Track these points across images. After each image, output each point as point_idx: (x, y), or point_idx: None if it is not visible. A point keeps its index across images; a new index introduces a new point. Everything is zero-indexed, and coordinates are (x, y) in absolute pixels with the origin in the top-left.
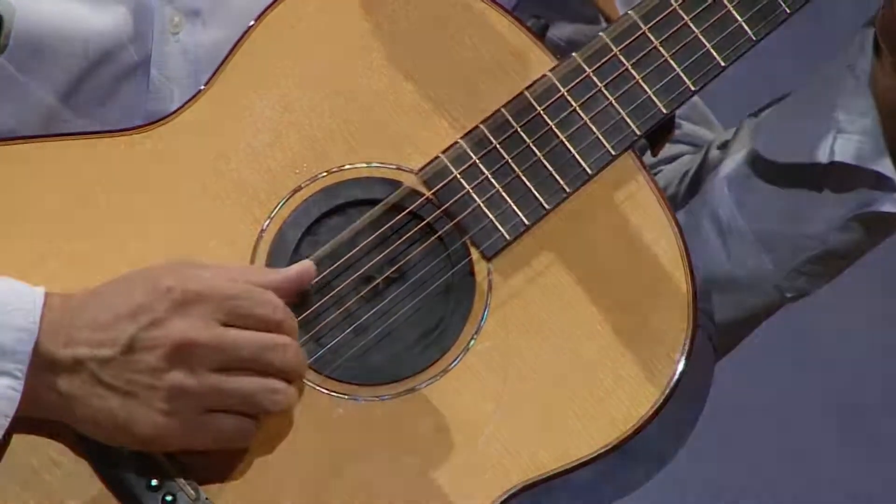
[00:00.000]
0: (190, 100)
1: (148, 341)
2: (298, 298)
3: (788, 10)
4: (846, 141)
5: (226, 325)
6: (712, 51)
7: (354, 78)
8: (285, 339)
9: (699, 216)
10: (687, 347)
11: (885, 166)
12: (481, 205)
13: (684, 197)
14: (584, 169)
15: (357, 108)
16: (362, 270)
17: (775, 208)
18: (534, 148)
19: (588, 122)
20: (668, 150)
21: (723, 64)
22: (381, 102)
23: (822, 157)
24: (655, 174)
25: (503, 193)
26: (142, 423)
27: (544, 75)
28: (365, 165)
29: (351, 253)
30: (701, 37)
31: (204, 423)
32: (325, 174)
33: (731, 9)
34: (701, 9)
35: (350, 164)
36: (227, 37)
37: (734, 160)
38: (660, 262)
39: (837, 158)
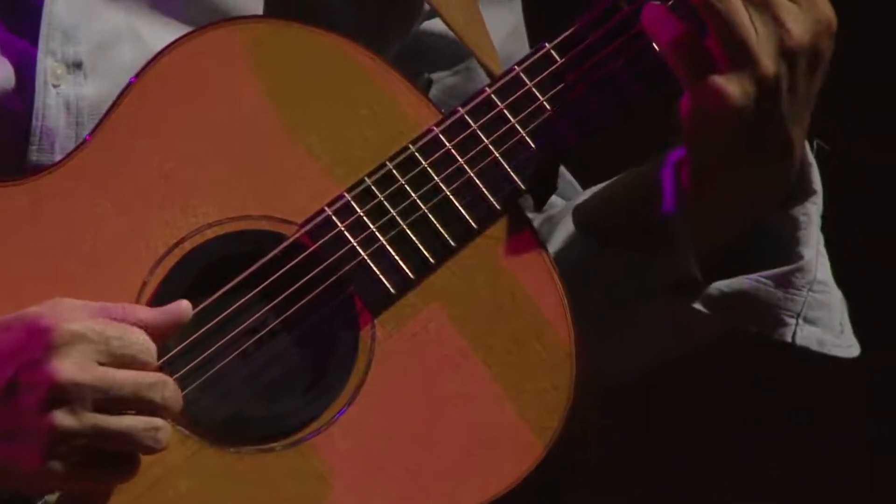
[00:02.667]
0: (72, 152)
1: (27, 383)
2: (187, 341)
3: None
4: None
5: (104, 364)
6: (597, 105)
7: (238, 132)
8: (164, 376)
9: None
10: (570, 402)
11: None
12: (366, 258)
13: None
14: (470, 224)
15: (240, 161)
16: (246, 324)
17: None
18: (419, 202)
19: (473, 175)
20: None
21: (609, 122)
22: (265, 156)
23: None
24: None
25: (388, 248)
26: (24, 465)
27: (430, 129)
28: (249, 218)
29: (234, 306)
30: (588, 93)
31: (86, 463)
32: (208, 227)
33: (621, 68)
34: (585, 66)
35: (234, 217)
36: (110, 90)
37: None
38: (543, 316)
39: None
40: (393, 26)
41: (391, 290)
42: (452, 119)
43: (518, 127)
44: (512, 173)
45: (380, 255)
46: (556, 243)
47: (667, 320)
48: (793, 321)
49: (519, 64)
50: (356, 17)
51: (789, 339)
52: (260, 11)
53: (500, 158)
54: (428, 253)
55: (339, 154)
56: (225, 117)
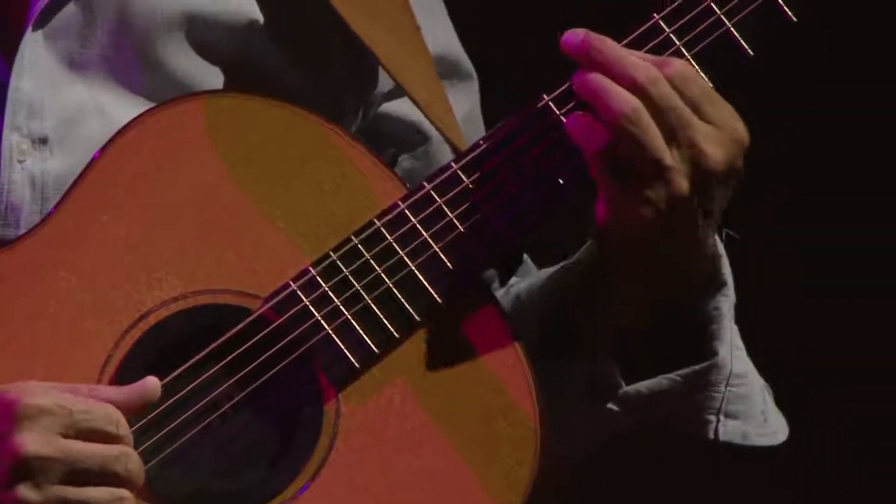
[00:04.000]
0: (36, 226)
1: None
2: (150, 415)
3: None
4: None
5: (69, 437)
6: (560, 182)
7: (202, 205)
8: (127, 448)
9: None
10: (534, 477)
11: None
12: (331, 332)
13: None
14: (435, 298)
15: (204, 235)
16: (210, 397)
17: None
18: (384, 276)
19: (438, 250)
20: None
21: (572, 195)
22: (229, 229)
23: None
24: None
25: (353, 322)
26: None
27: (395, 203)
28: (214, 292)
29: (198, 380)
30: (552, 169)
31: None
32: (172, 300)
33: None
34: (549, 141)
35: (198, 291)
36: (75, 164)
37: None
38: (508, 392)
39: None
40: (351, 99)
41: (356, 364)
42: (418, 194)
43: (483, 202)
44: (477, 248)
45: (345, 330)
46: None
47: (587, 420)
48: (713, 418)
49: (485, 139)
50: (315, 91)
51: (712, 437)
52: (220, 85)
53: (465, 233)
54: (393, 327)
55: (303, 227)
56: (188, 191)
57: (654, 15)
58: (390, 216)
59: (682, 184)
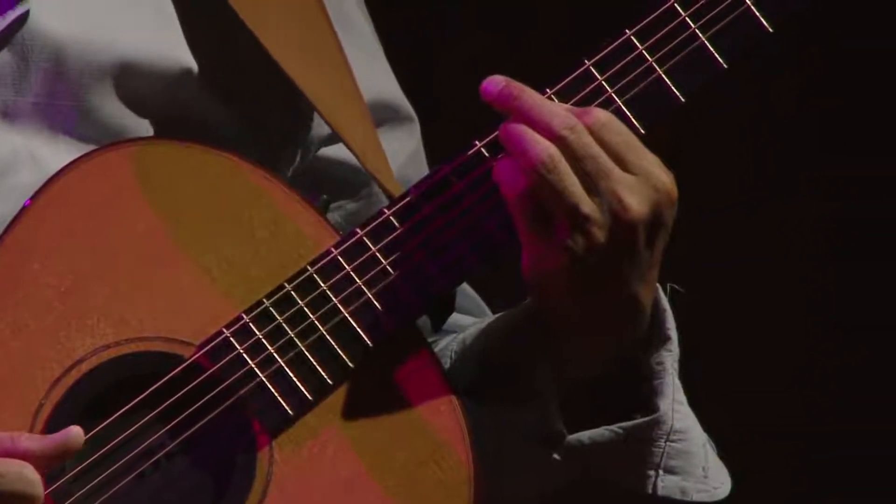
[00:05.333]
0: None
1: None
2: (83, 464)
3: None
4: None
5: None
6: (495, 231)
7: (134, 252)
8: None
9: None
10: None
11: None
12: (265, 380)
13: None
14: (368, 345)
15: (137, 282)
16: (142, 446)
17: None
18: (318, 323)
19: (371, 297)
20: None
21: (507, 242)
22: (162, 276)
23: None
24: (433, 342)
25: (286, 369)
26: None
27: (328, 250)
28: (146, 339)
29: (131, 428)
30: (483, 217)
31: None
32: (104, 348)
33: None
34: (483, 188)
35: (131, 338)
36: (6, 213)
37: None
38: (440, 438)
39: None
40: (287, 144)
41: (289, 411)
42: (351, 241)
43: (418, 249)
44: (410, 295)
45: (278, 377)
46: None
47: (529, 469)
48: (653, 473)
49: (416, 187)
50: (250, 136)
51: (650, 491)
52: (151, 132)
53: (398, 280)
54: (326, 374)
55: (236, 275)
56: (121, 238)
57: (585, 61)
58: (323, 262)
59: (599, 233)
